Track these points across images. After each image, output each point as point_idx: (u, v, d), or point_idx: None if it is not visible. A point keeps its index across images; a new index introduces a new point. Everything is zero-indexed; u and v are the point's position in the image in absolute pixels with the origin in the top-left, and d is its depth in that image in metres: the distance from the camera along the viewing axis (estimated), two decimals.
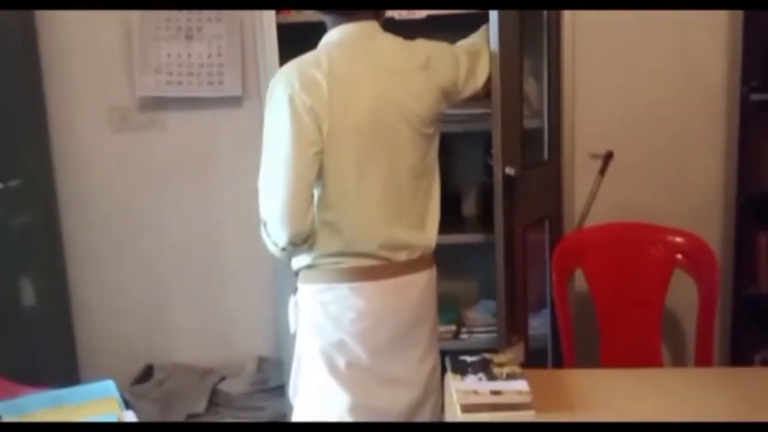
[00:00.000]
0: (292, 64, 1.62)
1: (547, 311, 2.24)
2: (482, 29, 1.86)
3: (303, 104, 1.53)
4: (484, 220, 2.28)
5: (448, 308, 2.40)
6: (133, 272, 2.63)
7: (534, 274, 2.20)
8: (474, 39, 1.86)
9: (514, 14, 1.92)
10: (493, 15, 1.84)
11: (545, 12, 2.20)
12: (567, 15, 2.25)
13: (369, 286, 1.62)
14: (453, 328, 2.35)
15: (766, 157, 2.31)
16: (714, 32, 2.36)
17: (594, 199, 2.35)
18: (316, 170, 1.56)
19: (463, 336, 2.35)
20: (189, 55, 2.48)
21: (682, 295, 2.17)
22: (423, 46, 1.70)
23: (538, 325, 2.29)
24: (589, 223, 2.35)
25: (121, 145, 2.58)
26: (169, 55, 2.48)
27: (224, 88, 2.48)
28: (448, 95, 1.71)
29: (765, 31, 2.22)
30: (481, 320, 2.38)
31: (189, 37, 2.48)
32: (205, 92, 2.49)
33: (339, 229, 1.61)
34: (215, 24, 2.48)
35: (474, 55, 1.79)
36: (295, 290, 1.70)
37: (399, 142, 1.62)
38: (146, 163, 2.59)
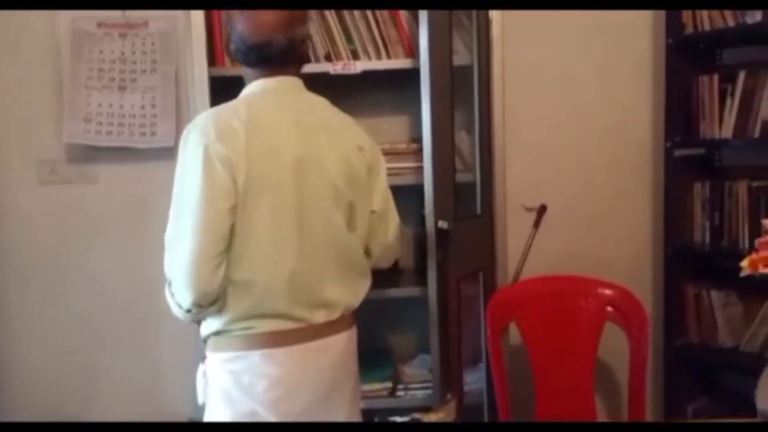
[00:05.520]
0: (208, 113, 1.56)
1: (482, 366, 2.22)
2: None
3: (218, 154, 1.44)
4: (421, 273, 2.26)
5: (383, 364, 2.36)
6: (62, 327, 2.52)
7: (469, 328, 2.19)
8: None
9: (445, 67, 1.95)
10: (425, 67, 1.87)
11: (475, 64, 2.25)
12: (497, 67, 2.31)
13: (282, 352, 1.51)
14: (389, 385, 2.28)
15: (690, 211, 2.38)
16: (639, 88, 2.46)
17: (529, 252, 2.37)
18: (228, 226, 1.45)
19: (400, 393, 2.27)
20: (121, 106, 2.44)
21: (616, 346, 2.19)
22: (363, 131, 1.67)
23: (475, 380, 2.27)
24: (524, 275, 2.36)
25: (51, 198, 2.50)
26: (100, 105, 2.43)
27: (156, 138, 2.43)
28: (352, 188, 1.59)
29: (687, 87, 2.32)
30: (419, 376, 2.31)
31: (122, 89, 2.45)
32: (137, 143, 2.44)
33: (250, 288, 1.49)
34: (150, 75, 2.46)
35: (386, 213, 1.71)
36: (203, 359, 1.59)
37: (320, 198, 1.54)
38: (77, 216, 2.51)
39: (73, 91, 2.42)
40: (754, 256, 1.33)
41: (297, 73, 1.62)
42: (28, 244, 2.51)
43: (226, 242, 1.46)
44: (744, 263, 1.34)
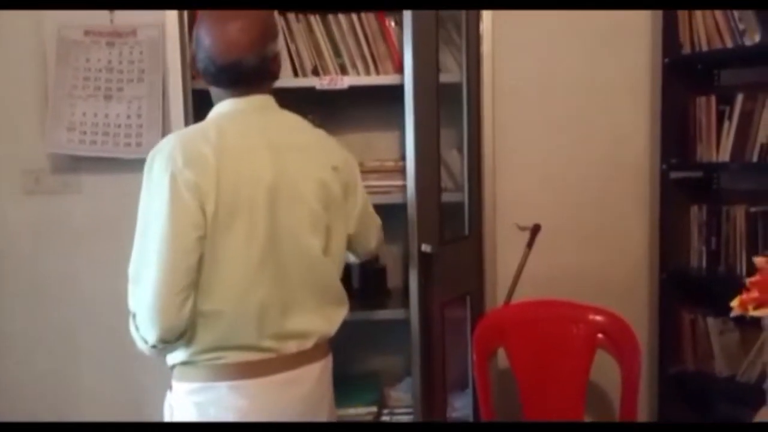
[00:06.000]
0: (175, 136, 1.48)
1: (470, 391, 2.16)
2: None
3: (185, 182, 1.36)
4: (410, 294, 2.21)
5: (369, 387, 2.30)
6: (44, 337, 2.49)
7: (457, 353, 2.13)
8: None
9: (431, 83, 1.89)
10: (409, 84, 1.81)
11: (464, 81, 2.19)
12: (487, 84, 2.25)
13: (251, 383, 1.44)
14: (374, 409, 2.23)
15: (687, 235, 2.32)
16: (635, 108, 2.40)
17: (521, 273, 2.30)
18: (196, 258, 1.37)
19: (385, 418, 2.23)
20: (106, 116, 2.39)
21: (608, 374, 2.12)
22: (337, 148, 1.61)
23: (463, 405, 2.20)
24: (515, 298, 2.30)
25: (36, 208, 2.47)
26: (84, 114, 2.38)
27: (142, 149, 2.38)
28: (329, 202, 1.54)
29: (684, 108, 2.26)
30: (405, 400, 2.26)
31: (108, 98, 2.40)
32: (121, 153, 2.39)
33: (219, 319, 1.43)
34: (137, 85, 2.41)
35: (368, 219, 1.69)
36: (170, 387, 1.53)
37: (296, 224, 1.47)
38: (61, 227, 2.47)
39: (58, 99, 2.38)
40: (744, 296, 1.26)
41: (269, 91, 1.56)
42: (12, 254, 2.47)
43: (193, 275, 1.38)
44: (734, 303, 1.28)
